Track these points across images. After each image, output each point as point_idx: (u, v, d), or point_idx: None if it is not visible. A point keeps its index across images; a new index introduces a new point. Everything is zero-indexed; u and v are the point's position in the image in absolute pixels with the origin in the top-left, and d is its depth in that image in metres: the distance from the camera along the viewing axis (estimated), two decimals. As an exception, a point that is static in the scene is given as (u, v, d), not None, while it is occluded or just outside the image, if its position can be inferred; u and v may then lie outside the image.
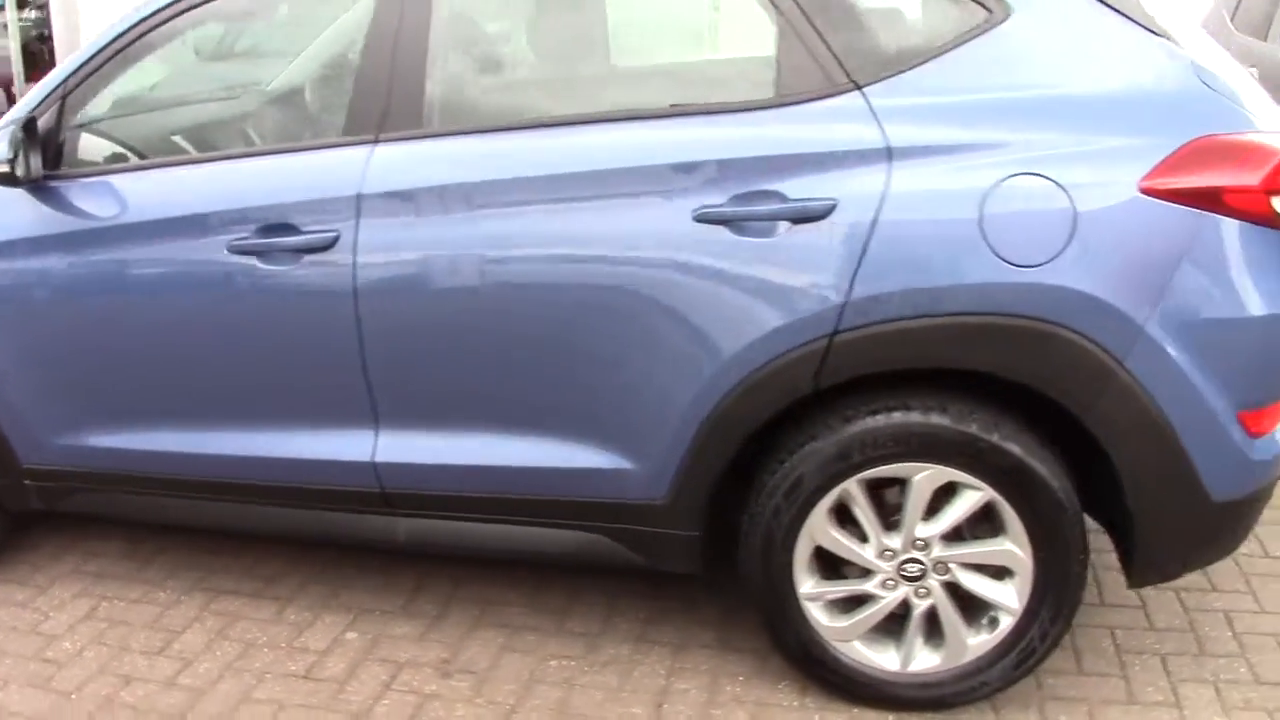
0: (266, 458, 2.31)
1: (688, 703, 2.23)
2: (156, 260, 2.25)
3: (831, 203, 1.93)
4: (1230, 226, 1.88)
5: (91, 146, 2.32)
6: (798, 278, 1.95)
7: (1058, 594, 2.06)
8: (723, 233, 1.97)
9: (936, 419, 1.98)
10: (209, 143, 2.56)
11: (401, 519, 2.31)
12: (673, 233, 1.99)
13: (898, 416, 1.99)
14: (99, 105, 2.39)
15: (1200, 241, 1.87)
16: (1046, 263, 1.87)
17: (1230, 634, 2.44)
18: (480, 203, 2.07)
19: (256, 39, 3.79)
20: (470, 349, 2.14)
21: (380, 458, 2.24)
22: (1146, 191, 1.85)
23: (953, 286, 1.90)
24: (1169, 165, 1.86)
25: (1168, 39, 1.95)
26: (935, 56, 1.96)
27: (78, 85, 2.32)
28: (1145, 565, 2.09)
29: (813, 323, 1.95)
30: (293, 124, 2.49)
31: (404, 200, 2.11)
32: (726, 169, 1.98)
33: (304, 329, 2.19)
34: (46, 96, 2.33)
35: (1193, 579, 2.64)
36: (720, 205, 1.97)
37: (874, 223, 1.92)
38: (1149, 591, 2.60)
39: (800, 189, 1.95)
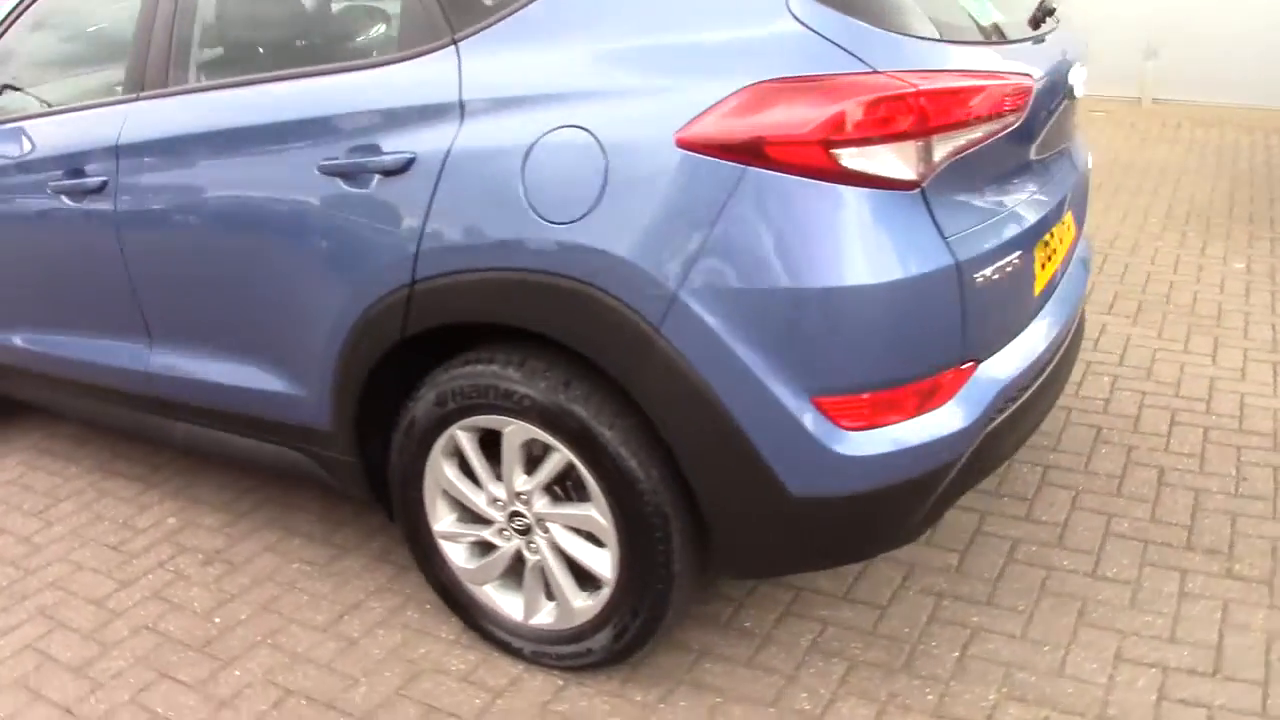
0: (87, 361, 2.76)
1: (364, 619, 2.40)
2: (14, 193, 2.75)
3: (410, 156, 1.97)
4: (784, 183, 1.69)
5: (9, 98, 2.85)
6: (384, 229, 2.03)
7: (642, 572, 1.98)
8: (339, 183, 2.08)
9: (511, 374, 1.97)
10: (76, 96, 3.00)
11: (178, 423, 2.66)
12: (305, 182, 2.13)
13: (480, 368, 2.02)
14: (13, 63, 2.90)
15: (743, 200, 1.71)
16: (578, 220, 1.80)
17: (956, 655, 2.17)
18: (178, 152, 2.35)
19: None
20: (184, 279, 2.43)
21: (152, 368, 2.60)
22: (682, 143, 1.71)
23: (494, 242, 1.90)
24: (713, 114, 1.71)
25: None
26: (525, 6, 1.90)
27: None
28: (723, 555, 1.95)
29: (395, 272, 2.02)
30: (107, 82, 2.86)
31: (139, 151, 2.43)
32: (343, 123, 2.09)
33: (94, 257, 2.58)
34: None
35: (970, 588, 2.36)
36: (338, 158, 2.07)
37: (439, 177, 1.95)
38: (909, 593, 2.38)
39: (391, 143, 2.01)
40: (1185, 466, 2.75)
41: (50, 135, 2.68)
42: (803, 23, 1.71)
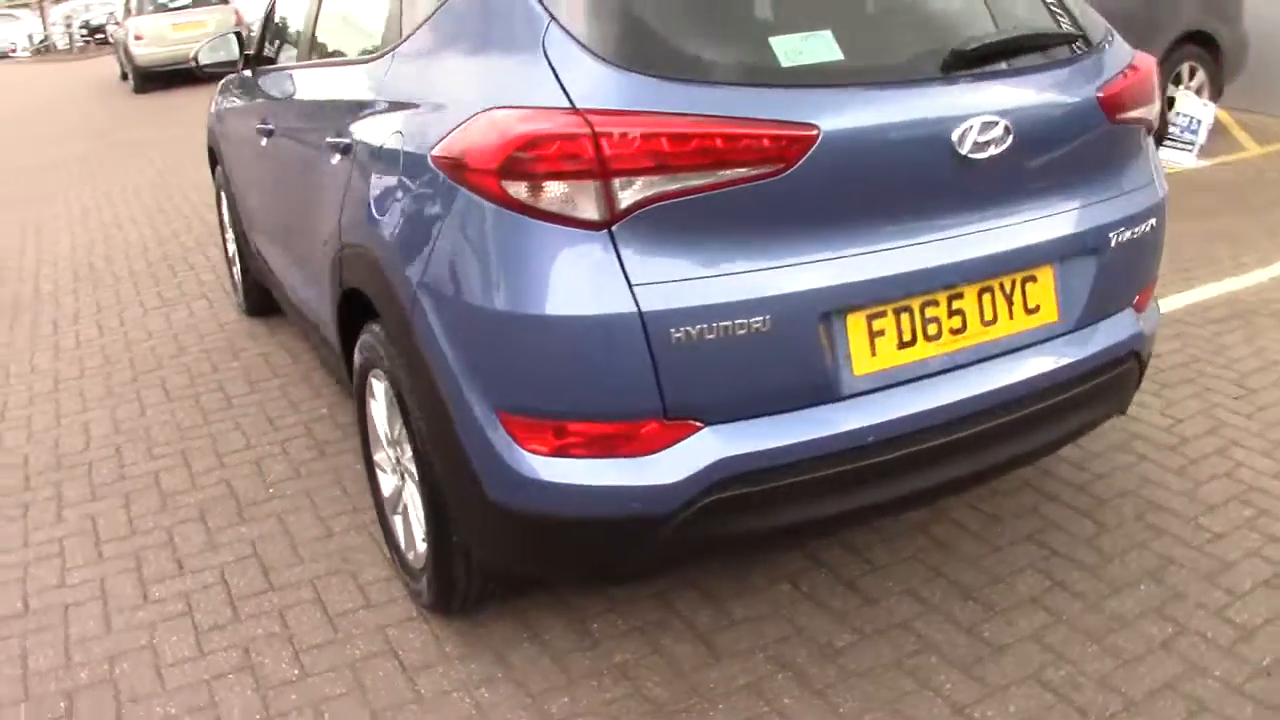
0: (278, 270, 3.65)
1: (353, 520, 2.99)
2: (250, 125, 3.69)
3: (349, 142, 2.45)
4: (479, 206, 1.89)
5: (275, 49, 3.83)
6: (339, 197, 2.52)
7: (436, 536, 2.27)
8: (338, 155, 2.61)
9: (383, 336, 2.37)
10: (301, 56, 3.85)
11: (312, 332, 3.45)
12: (323, 146, 2.71)
13: (372, 328, 2.44)
14: (281, 21, 3.84)
15: (455, 217, 1.95)
16: (384, 214, 2.17)
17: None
18: (278, 110, 3.11)
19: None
20: (300, 220, 3.15)
21: (294, 281, 3.40)
22: (433, 160, 1.99)
23: (357, 221, 2.34)
24: (450, 136, 1.97)
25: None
26: (425, 22, 2.27)
27: (274, 7, 3.84)
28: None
29: (336, 235, 2.52)
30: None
31: (280, 107, 3.20)
32: (337, 107, 2.63)
33: (272, 186, 3.45)
34: (264, 15, 3.91)
35: (823, 674, 2.30)
36: (338, 135, 2.62)
37: (353, 162, 2.40)
38: (759, 656, 2.37)
39: (351, 129, 2.50)
40: (1217, 636, 2.22)
41: (267, 86, 3.61)
42: (546, 57, 1.85)
